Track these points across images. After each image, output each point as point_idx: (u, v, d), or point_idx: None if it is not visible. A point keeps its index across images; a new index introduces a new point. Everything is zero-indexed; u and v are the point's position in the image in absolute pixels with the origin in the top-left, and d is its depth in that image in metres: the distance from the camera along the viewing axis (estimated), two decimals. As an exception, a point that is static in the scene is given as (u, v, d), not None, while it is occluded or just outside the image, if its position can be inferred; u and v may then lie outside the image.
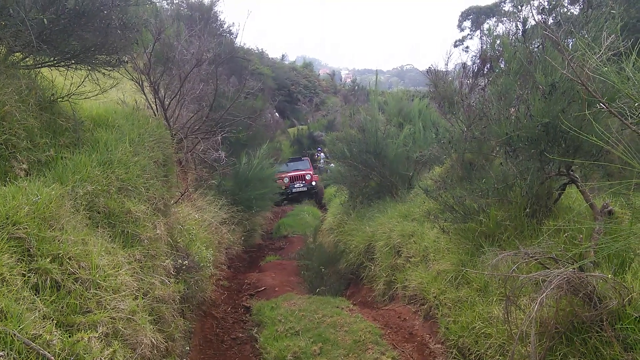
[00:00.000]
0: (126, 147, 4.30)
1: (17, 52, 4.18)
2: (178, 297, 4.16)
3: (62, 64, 4.47)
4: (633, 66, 2.90)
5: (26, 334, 2.07)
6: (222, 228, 7.84)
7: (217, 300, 6.54)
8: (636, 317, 2.86)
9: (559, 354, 3.15)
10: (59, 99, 4.19)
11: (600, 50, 3.12)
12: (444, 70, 8.54)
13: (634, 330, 2.82)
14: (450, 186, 5.67)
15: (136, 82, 7.20)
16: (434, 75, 8.50)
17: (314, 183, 20.27)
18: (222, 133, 8.70)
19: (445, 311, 4.74)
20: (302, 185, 20.10)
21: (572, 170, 4.53)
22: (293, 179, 20.19)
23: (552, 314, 3.20)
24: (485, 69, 7.38)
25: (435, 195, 5.78)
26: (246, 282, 8.02)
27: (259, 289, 7.58)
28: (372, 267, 7.31)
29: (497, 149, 5.21)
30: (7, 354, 1.91)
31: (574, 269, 3.06)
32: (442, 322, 4.74)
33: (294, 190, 19.72)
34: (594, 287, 3.05)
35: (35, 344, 2.06)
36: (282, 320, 5.59)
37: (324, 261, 8.62)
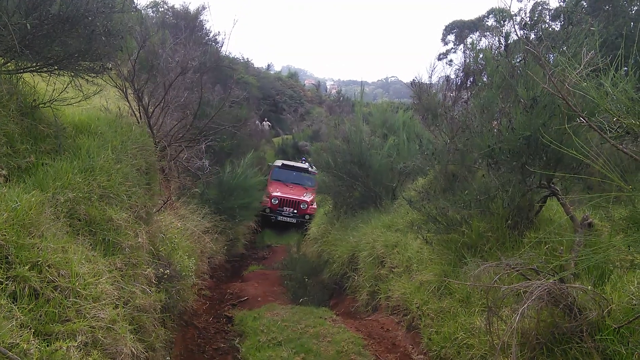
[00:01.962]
0: (108, 155, 4.25)
1: (-2, 56, 4.13)
2: (159, 306, 4.11)
3: (45, 69, 4.41)
4: (611, 82, 2.96)
5: (3, 342, 2.02)
6: (204, 237, 7.77)
7: (198, 310, 6.47)
8: (615, 328, 2.90)
9: (540, 365, 3.18)
10: (41, 105, 4.14)
11: (580, 66, 3.19)
12: (427, 82, 8.63)
13: (613, 341, 2.85)
14: (434, 197, 5.71)
15: (120, 89, 7.14)
16: (418, 88, 8.58)
17: (307, 217, 14.35)
18: (206, 141, 8.66)
19: (428, 322, 4.76)
20: (291, 215, 14.82)
21: (553, 183, 4.59)
22: (283, 203, 14.92)
23: (533, 325, 3.23)
24: (469, 82, 7.47)
25: (419, 206, 5.82)
26: (229, 292, 7.96)
27: (242, 299, 7.53)
28: (356, 278, 7.32)
29: (480, 161, 5.27)
30: (-18, 363, 1.87)
31: (554, 280, 3.10)
32: (425, 332, 4.75)
33: (279, 219, 14.79)
34: (574, 298, 3.09)
35: (12, 352, 2.01)
36: (265, 331, 5.54)
37: (307, 271, 8.62)
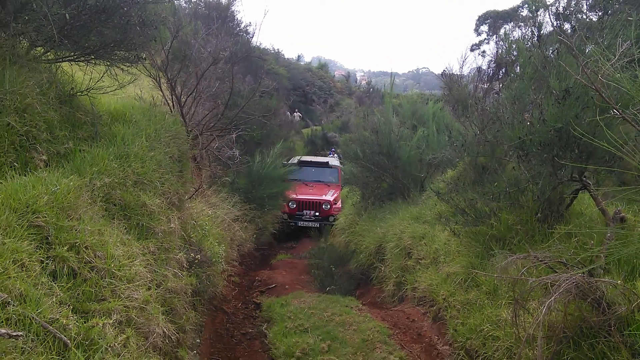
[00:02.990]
0: (143, 142, 4.38)
1: (38, 46, 4.28)
2: (190, 290, 4.23)
3: (82, 59, 4.57)
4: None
5: (44, 317, 2.13)
6: (234, 225, 7.91)
7: (228, 296, 6.61)
8: (644, 323, 2.86)
9: (567, 358, 3.16)
10: (79, 93, 4.28)
11: (614, 57, 3.13)
12: (458, 73, 8.55)
13: (642, 336, 2.82)
14: (462, 189, 5.68)
15: (154, 78, 7.30)
16: (448, 79, 8.50)
17: (331, 219, 12.58)
18: (237, 131, 8.78)
19: (454, 313, 4.75)
20: (313, 218, 12.84)
21: (584, 176, 4.51)
22: (302, 206, 12.90)
23: (560, 318, 3.21)
24: (500, 74, 7.38)
25: (447, 198, 5.79)
26: (257, 279, 8.08)
27: (270, 286, 7.64)
28: (382, 268, 7.34)
29: (510, 153, 5.21)
30: (26, 335, 1.97)
31: (583, 273, 3.07)
32: (451, 323, 4.75)
33: (299, 224, 12.83)
34: (603, 292, 3.05)
35: (53, 327, 2.12)
36: (292, 317, 5.64)
37: (334, 261, 8.68)
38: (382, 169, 9.46)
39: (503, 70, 7.16)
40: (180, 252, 4.28)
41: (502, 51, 7.12)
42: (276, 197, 11.31)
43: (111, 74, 4.79)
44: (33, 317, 2.07)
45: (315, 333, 5.15)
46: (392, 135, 9.36)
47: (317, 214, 12.88)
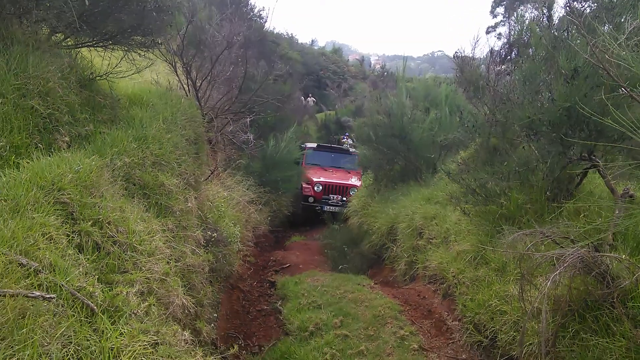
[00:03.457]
0: (160, 125, 4.51)
1: (59, 32, 4.42)
2: (207, 267, 4.38)
3: (101, 44, 4.70)
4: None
5: (72, 285, 2.29)
6: (249, 207, 8.07)
7: (243, 275, 6.79)
8: (647, 295, 2.94)
9: (571, 330, 3.25)
10: (98, 78, 4.42)
11: (623, 36, 3.16)
12: (470, 55, 8.50)
13: (644, 307, 2.90)
14: (473, 170, 5.73)
15: (170, 63, 7.44)
16: (460, 61, 8.48)
17: None
18: (251, 115, 8.91)
19: (463, 290, 4.86)
20: (340, 203, 12.41)
21: (594, 155, 4.55)
22: (329, 190, 12.60)
23: (565, 292, 3.29)
24: (513, 55, 7.36)
25: (458, 178, 5.85)
26: (272, 259, 8.27)
27: (284, 266, 7.82)
28: (394, 248, 7.45)
29: (522, 134, 5.24)
30: (56, 300, 2.13)
31: (587, 247, 3.14)
32: (460, 300, 4.86)
33: (325, 209, 12.40)
34: (608, 266, 3.12)
35: (80, 294, 2.27)
36: (305, 295, 5.80)
37: (347, 241, 8.82)
38: (394, 151, 9.51)
39: (515, 51, 7.14)
40: (197, 230, 4.43)
41: (515, 32, 7.10)
42: (290, 180, 11.46)
43: (128, 59, 4.92)
44: (62, 285, 2.22)
45: (328, 309, 5.31)
46: (405, 117, 9.40)
47: (344, 198, 12.53)
